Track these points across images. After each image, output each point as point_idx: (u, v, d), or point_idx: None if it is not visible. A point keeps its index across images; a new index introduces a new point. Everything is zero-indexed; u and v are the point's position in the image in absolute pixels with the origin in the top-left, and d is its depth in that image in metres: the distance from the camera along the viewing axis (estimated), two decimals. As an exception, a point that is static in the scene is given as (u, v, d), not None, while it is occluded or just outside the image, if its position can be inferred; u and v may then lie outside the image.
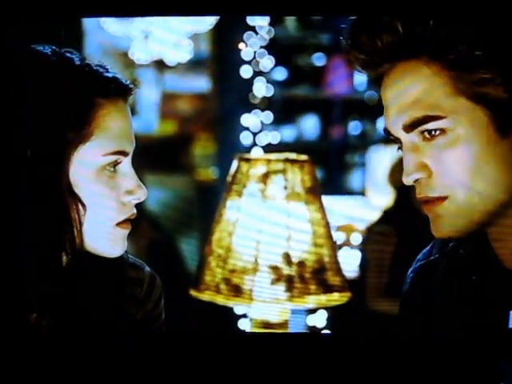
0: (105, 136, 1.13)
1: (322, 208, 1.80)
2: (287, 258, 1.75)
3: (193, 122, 4.57)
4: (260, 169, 1.80)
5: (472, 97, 1.06)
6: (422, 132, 1.08)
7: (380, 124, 4.43)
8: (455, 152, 1.06)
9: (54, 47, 1.16)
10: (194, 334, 1.24)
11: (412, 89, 1.08)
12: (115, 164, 1.15)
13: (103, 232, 1.16)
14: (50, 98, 1.11)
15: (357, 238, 3.22)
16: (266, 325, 1.76)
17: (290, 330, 1.83)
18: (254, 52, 3.90)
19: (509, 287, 1.12)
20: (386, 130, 1.13)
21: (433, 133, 1.07)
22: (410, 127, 1.09)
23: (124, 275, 1.22)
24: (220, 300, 1.77)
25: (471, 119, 1.06)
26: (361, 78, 4.38)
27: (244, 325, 2.35)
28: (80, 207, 1.13)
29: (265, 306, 1.75)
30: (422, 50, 1.08)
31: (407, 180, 1.10)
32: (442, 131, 1.07)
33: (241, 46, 3.83)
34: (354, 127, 4.65)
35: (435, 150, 1.08)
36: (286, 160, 1.80)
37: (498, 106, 1.06)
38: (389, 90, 1.12)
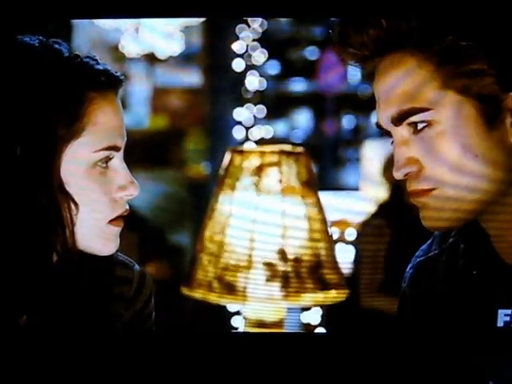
0: (96, 131, 1.11)
1: (318, 202, 1.78)
2: (282, 254, 1.73)
3: (184, 116, 4.58)
4: (254, 161, 1.77)
5: (459, 89, 1.06)
6: (410, 125, 1.08)
7: (374, 118, 4.43)
8: (443, 144, 1.06)
9: (41, 38, 1.13)
10: (186, 333, 1.22)
11: (399, 81, 1.08)
12: (107, 160, 1.13)
13: (95, 230, 1.13)
14: (39, 93, 1.09)
15: (351, 234, 3.20)
16: (261, 324, 1.74)
17: (285, 329, 1.81)
18: (247, 45, 3.89)
19: (505, 283, 1.12)
20: (377, 124, 1.13)
21: (419, 125, 1.07)
22: (397, 120, 1.09)
23: (112, 274, 1.20)
24: (213, 298, 1.75)
25: (458, 111, 1.06)
26: (354, 72, 4.40)
27: (237, 322, 2.33)
28: (72, 206, 1.11)
29: (259, 305, 1.73)
30: (407, 42, 1.08)
31: (398, 174, 1.10)
32: (429, 123, 1.07)
33: (234, 45, 3.83)
34: (348, 121, 4.67)
35: (424, 143, 1.08)
36: (281, 152, 1.78)
37: (486, 97, 1.06)
38: (378, 84, 1.12)
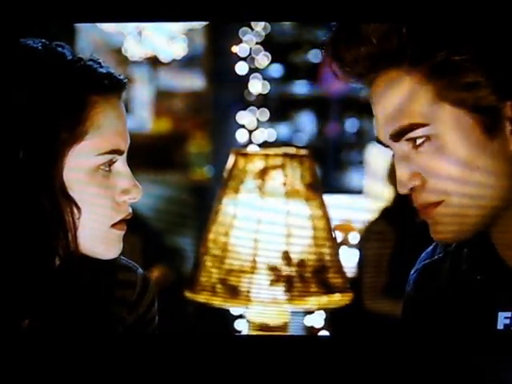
0: (99, 135, 1.10)
1: (322, 205, 1.77)
2: (287, 257, 1.72)
3: (187, 119, 4.57)
4: (258, 164, 1.76)
5: (455, 102, 1.06)
6: (409, 140, 1.08)
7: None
8: (443, 158, 1.06)
9: (44, 41, 1.13)
10: (189, 337, 1.21)
11: (395, 98, 1.08)
12: (110, 163, 1.12)
13: (98, 234, 1.13)
14: (42, 96, 1.08)
15: (354, 237, 3.19)
16: (265, 328, 1.73)
17: (288, 332, 1.80)
18: (250, 48, 3.88)
19: (508, 288, 1.12)
20: (377, 140, 1.13)
21: (418, 141, 1.07)
22: (396, 136, 1.09)
23: (115, 277, 1.19)
24: (216, 302, 1.74)
25: (456, 124, 1.06)
26: None
27: (241, 326, 2.32)
28: (75, 210, 1.10)
29: (263, 308, 1.72)
30: (400, 58, 1.08)
31: (402, 190, 1.10)
32: (428, 138, 1.07)
33: (234, 49, 3.82)
34: (351, 124, 4.65)
35: (425, 158, 1.08)
36: (285, 155, 1.77)
37: (483, 108, 1.06)
38: (375, 100, 1.12)
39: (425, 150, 1.07)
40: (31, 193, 1.08)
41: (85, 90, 1.10)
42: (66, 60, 1.11)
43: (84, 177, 1.10)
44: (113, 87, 1.13)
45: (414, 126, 1.07)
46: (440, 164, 1.07)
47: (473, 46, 1.05)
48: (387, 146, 1.12)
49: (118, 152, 1.13)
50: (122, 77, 1.15)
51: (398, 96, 1.08)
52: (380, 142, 1.13)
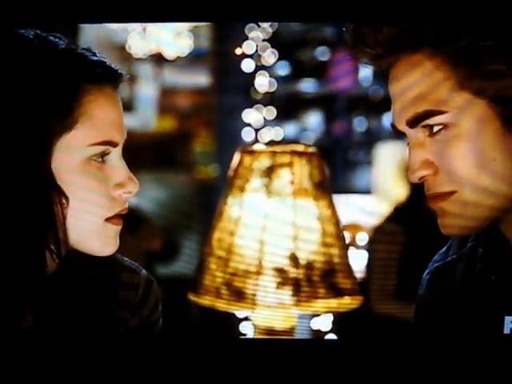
0: (91, 124, 1.08)
1: (331, 204, 1.77)
2: (294, 259, 1.71)
3: (192, 117, 4.59)
4: (264, 162, 1.76)
5: (475, 91, 1.04)
6: (426, 127, 1.07)
7: (386, 120, 4.47)
8: (459, 148, 1.05)
9: (37, 31, 1.10)
10: (193, 339, 1.20)
11: (415, 83, 1.08)
12: (103, 155, 1.11)
13: (92, 229, 1.11)
14: (29, 82, 1.06)
15: (363, 238, 3.18)
16: (271, 332, 1.72)
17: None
18: (256, 45, 3.88)
19: None
20: (392, 126, 1.12)
21: (435, 128, 1.06)
22: (412, 123, 1.08)
23: (118, 279, 1.17)
24: (221, 305, 1.73)
25: (475, 114, 1.05)
26: (366, 73, 4.43)
27: (245, 329, 2.32)
28: (64, 201, 1.08)
29: (269, 312, 1.71)
30: (422, 42, 1.07)
31: (413, 178, 1.09)
32: (445, 126, 1.06)
33: (238, 50, 3.82)
34: (359, 123, 4.66)
35: (439, 146, 1.07)
36: (293, 152, 1.76)
37: (504, 100, 1.04)
38: (394, 84, 1.11)
39: (441, 139, 1.06)
40: (18, 183, 1.06)
41: (76, 77, 1.08)
42: (58, 48, 1.09)
43: (75, 167, 1.08)
44: (106, 76, 1.11)
45: (431, 113, 1.06)
46: (456, 153, 1.05)
47: (498, 33, 1.03)
48: (402, 133, 1.11)
49: (112, 144, 1.11)
50: (117, 67, 1.13)
51: (418, 81, 1.07)
52: (395, 128, 1.12)
